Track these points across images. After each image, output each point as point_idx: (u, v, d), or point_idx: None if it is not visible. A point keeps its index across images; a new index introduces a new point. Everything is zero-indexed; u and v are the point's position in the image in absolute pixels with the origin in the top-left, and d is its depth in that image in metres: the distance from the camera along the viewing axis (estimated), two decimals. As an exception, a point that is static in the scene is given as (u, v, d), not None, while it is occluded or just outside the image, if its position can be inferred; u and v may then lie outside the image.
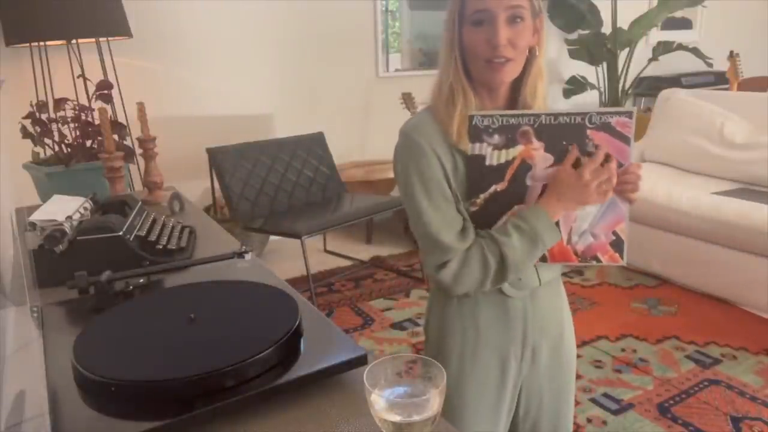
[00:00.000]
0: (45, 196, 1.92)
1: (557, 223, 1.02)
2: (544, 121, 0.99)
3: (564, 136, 1.00)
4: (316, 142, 3.46)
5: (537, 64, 1.03)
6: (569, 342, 1.19)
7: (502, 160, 1.01)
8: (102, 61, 2.87)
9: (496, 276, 1.01)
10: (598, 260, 1.05)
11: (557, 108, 0.99)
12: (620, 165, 1.00)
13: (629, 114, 0.99)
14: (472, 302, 1.08)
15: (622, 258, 1.05)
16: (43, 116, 2.26)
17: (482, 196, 1.02)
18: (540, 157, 1.01)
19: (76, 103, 2.33)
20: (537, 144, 1.00)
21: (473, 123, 1.00)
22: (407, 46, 4.18)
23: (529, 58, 1.02)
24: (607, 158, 0.99)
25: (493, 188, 1.02)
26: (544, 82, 1.05)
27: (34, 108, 2.27)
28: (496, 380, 1.11)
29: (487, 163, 1.01)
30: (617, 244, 1.05)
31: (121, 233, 1.17)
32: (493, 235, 1.01)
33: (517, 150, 1.00)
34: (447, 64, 1.02)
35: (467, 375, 1.10)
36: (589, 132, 0.99)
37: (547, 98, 1.08)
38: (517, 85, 1.04)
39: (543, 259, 1.05)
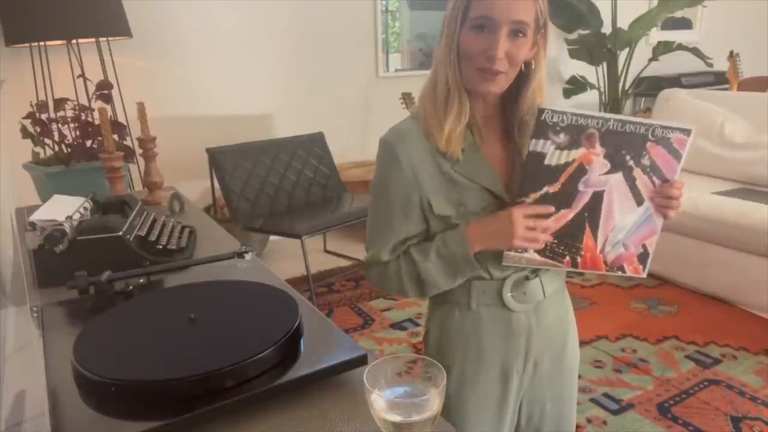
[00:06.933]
0: (45, 196, 1.92)
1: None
2: (611, 127, 0.96)
3: (624, 145, 0.97)
4: (316, 142, 3.46)
5: (537, 78, 1.00)
6: (572, 348, 1.16)
7: (562, 161, 0.96)
8: (102, 61, 2.87)
9: (415, 292, 1.03)
10: (624, 271, 1.04)
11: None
12: (665, 180, 0.99)
13: (688, 132, 0.97)
14: (474, 316, 1.05)
15: (643, 270, 1.04)
16: (43, 116, 2.26)
17: (532, 195, 0.98)
18: (598, 163, 0.97)
19: (76, 103, 2.33)
20: (599, 149, 0.97)
21: (542, 117, 0.95)
22: (407, 46, 4.18)
23: (525, 72, 0.98)
24: (656, 172, 0.98)
25: (545, 189, 0.97)
26: (543, 97, 1.02)
27: (34, 108, 2.27)
28: (498, 393, 1.08)
29: (546, 162, 0.96)
30: (642, 257, 1.04)
31: (121, 233, 1.17)
32: (412, 254, 1.02)
33: (578, 152, 0.96)
34: (444, 64, 0.97)
35: (468, 388, 1.07)
36: (648, 144, 0.97)
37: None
38: (510, 96, 1.01)
39: (575, 265, 1.02)
